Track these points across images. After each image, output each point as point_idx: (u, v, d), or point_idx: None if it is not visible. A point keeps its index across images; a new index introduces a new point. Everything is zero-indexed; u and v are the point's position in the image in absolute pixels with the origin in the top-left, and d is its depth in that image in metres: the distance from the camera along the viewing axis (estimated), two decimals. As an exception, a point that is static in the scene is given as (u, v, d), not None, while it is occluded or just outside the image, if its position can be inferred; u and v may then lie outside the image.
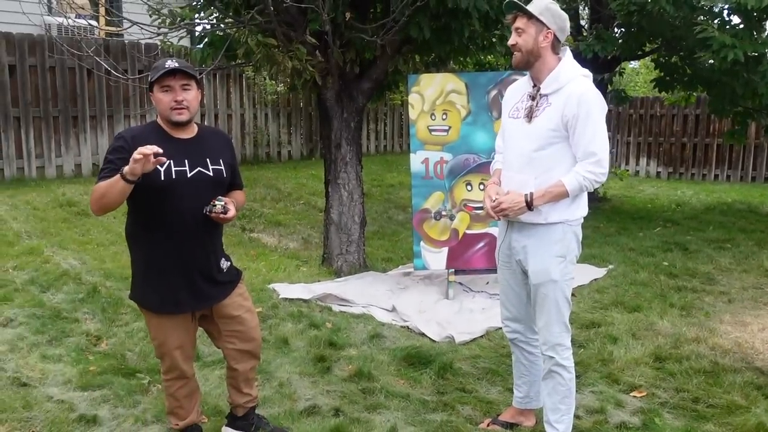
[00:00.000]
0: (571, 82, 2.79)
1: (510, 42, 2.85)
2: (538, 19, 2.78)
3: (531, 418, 3.28)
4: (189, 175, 2.71)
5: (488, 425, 3.27)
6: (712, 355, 4.13)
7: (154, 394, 3.50)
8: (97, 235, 6.29)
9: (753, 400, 3.56)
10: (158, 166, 2.56)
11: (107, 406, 3.38)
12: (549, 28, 2.79)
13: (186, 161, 2.72)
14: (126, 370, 3.77)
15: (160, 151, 2.46)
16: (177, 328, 2.83)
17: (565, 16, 2.86)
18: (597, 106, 2.77)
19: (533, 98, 2.86)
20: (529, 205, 2.78)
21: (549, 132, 2.79)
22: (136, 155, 2.42)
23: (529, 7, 2.79)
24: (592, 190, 2.89)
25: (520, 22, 2.81)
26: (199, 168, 2.74)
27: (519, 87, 3.03)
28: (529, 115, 2.85)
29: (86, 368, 3.76)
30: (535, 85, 2.88)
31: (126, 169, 2.47)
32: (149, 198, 2.66)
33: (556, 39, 2.82)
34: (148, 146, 2.44)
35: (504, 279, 3.11)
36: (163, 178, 2.64)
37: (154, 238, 2.73)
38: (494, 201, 2.86)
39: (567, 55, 2.87)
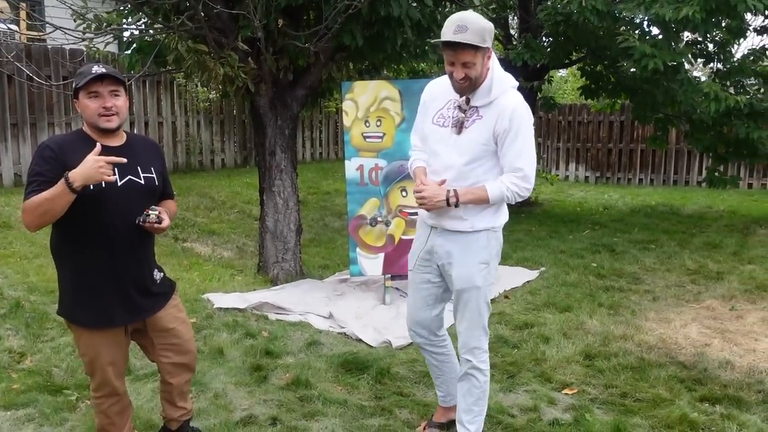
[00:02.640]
0: (503, 95, 2.77)
1: (459, 76, 2.69)
2: (483, 47, 2.67)
3: None
4: (119, 183, 2.61)
5: (424, 428, 3.31)
6: (639, 352, 4.29)
7: (83, 410, 3.38)
8: (20, 248, 6.03)
9: (677, 393, 3.72)
10: None
11: (32, 425, 3.25)
12: (490, 48, 2.72)
13: (115, 169, 2.61)
14: (52, 387, 3.62)
15: (124, 160, 2.49)
16: (109, 344, 2.72)
17: (491, 25, 2.78)
18: (527, 120, 2.77)
19: (462, 109, 2.81)
20: (448, 201, 2.76)
21: (480, 146, 2.77)
22: (97, 163, 2.40)
23: (475, 39, 2.62)
24: (513, 203, 2.87)
25: (468, 56, 2.65)
26: (129, 176, 2.65)
27: (441, 90, 2.91)
28: (459, 127, 2.80)
29: (9, 386, 3.60)
30: (462, 95, 2.81)
31: (75, 177, 2.39)
32: (78, 209, 2.52)
33: None
34: (101, 156, 2.44)
35: (415, 284, 3.10)
36: (92, 187, 2.52)
37: (83, 251, 2.62)
38: (418, 186, 2.82)
39: (494, 62, 2.79)
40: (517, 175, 2.76)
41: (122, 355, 2.80)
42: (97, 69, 2.58)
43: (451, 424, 3.27)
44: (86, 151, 2.49)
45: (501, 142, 2.75)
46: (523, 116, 2.75)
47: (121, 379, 2.82)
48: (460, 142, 2.80)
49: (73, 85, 2.64)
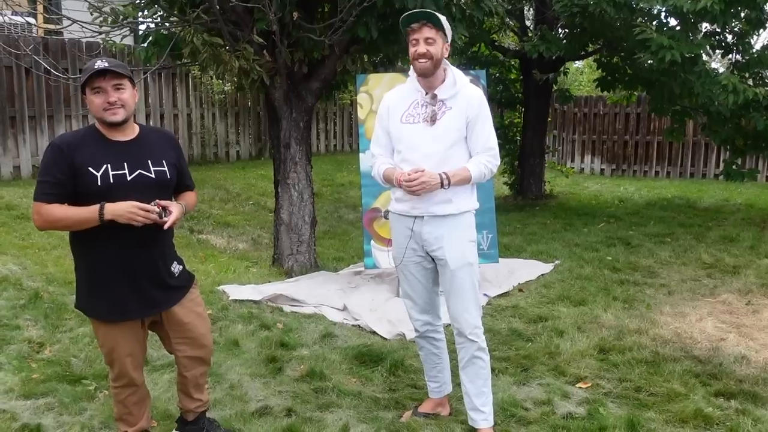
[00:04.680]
0: (465, 87, 3.07)
1: (420, 51, 2.95)
2: (443, 32, 2.99)
3: (447, 406, 3.43)
4: (129, 178, 2.62)
5: (409, 417, 3.35)
6: (653, 346, 4.28)
7: (101, 400, 3.43)
8: (38, 239, 6.10)
9: (691, 387, 3.71)
10: (94, 171, 2.54)
11: (52, 414, 3.30)
12: (448, 41, 3.03)
13: (125, 164, 2.62)
14: (71, 376, 3.67)
15: (157, 209, 2.61)
16: (126, 335, 2.75)
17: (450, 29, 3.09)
18: (488, 107, 3.12)
19: (432, 104, 3.04)
20: (442, 183, 2.95)
21: (455, 132, 3.02)
22: (133, 210, 2.53)
23: (441, 19, 2.97)
24: (485, 180, 3.14)
25: (431, 33, 2.96)
26: (139, 170, 2.65)
27: (400, 95, 3.15)
28: (432, 119, 3.03)
29: (29, 376, 3.65)
30: (427, 93, 3.05)
31: (108, 211, 2.52)
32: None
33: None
34: (140, 206, 2.56)
35: (410, 274, 3.22)
36: (100, 184, 2.56)
37: (96, 245, 2.64)
38: (411, 175, 2.93)
39: (448, 64, 3.09)
40: (490, 153, 3.07)
41: (140, 346, 2.84)
42: (99, 64, 2.57)
43: (437, 416, 3.36)
44: (96, 147, 2.54)
45: (472, 127, 3.04)
46: (486, 103, 3.10)
47: (139, 370, 2.86)
48: (435, 132, 3.02)
49: (79, 81, 2.66)
